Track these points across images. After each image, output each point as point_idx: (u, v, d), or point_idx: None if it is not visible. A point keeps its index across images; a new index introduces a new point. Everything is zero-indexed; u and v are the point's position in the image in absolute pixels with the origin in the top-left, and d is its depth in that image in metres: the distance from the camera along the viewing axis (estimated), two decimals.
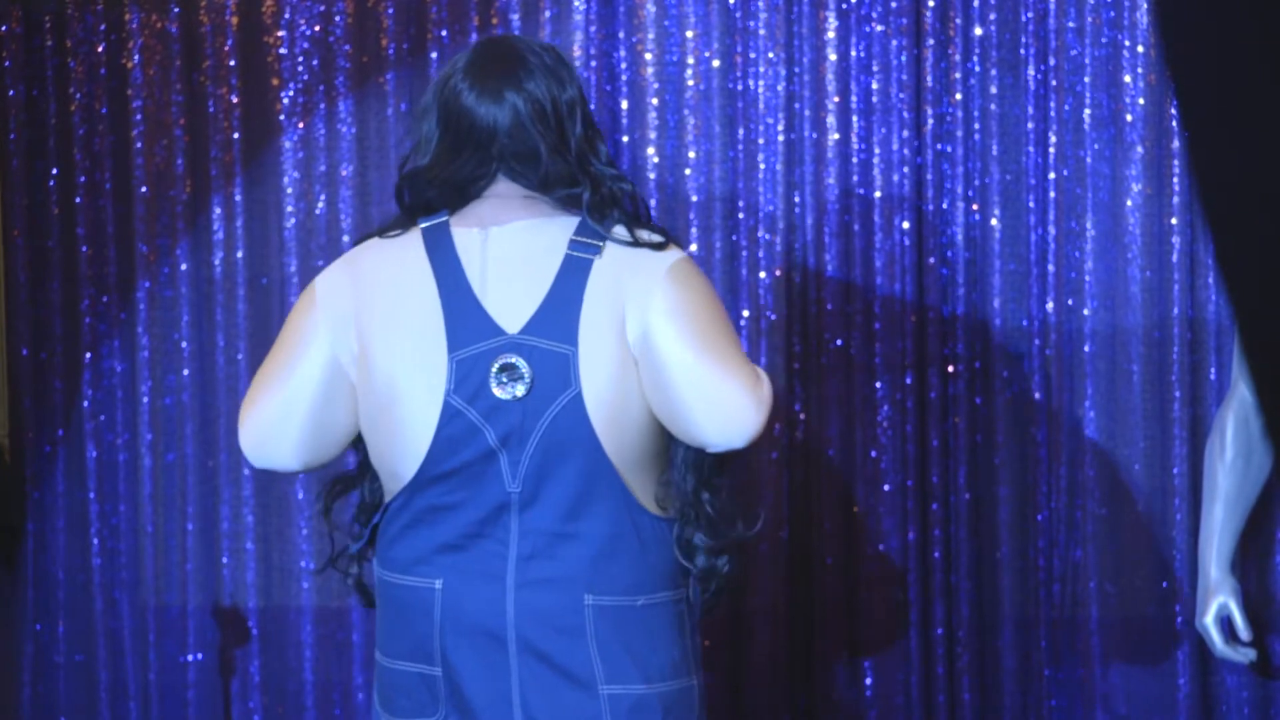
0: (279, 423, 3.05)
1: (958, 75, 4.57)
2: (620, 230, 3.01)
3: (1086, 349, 4.53)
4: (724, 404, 2.92)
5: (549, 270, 3.00)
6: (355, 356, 3.04)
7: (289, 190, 4.82)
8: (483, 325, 2.98)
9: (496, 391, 2.96)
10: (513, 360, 2.96)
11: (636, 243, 3.01)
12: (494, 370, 2.97)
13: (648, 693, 3.04)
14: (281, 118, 4.81)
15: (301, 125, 4.81)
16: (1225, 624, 4.04)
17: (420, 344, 2.99)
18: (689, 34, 4.65)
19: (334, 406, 3.05)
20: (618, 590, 3.03)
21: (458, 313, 2.99)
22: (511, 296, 3.00)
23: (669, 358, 2.94)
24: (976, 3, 4.55)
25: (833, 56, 4.61)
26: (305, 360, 3.05)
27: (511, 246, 3.03)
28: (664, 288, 2.97)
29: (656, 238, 3.03)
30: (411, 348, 3.00)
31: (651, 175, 4.65)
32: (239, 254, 4.84)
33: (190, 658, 4.92)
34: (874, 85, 4.60)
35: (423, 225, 3.06)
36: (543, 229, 3.03)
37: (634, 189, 3.08)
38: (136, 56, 4.84)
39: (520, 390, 2.96)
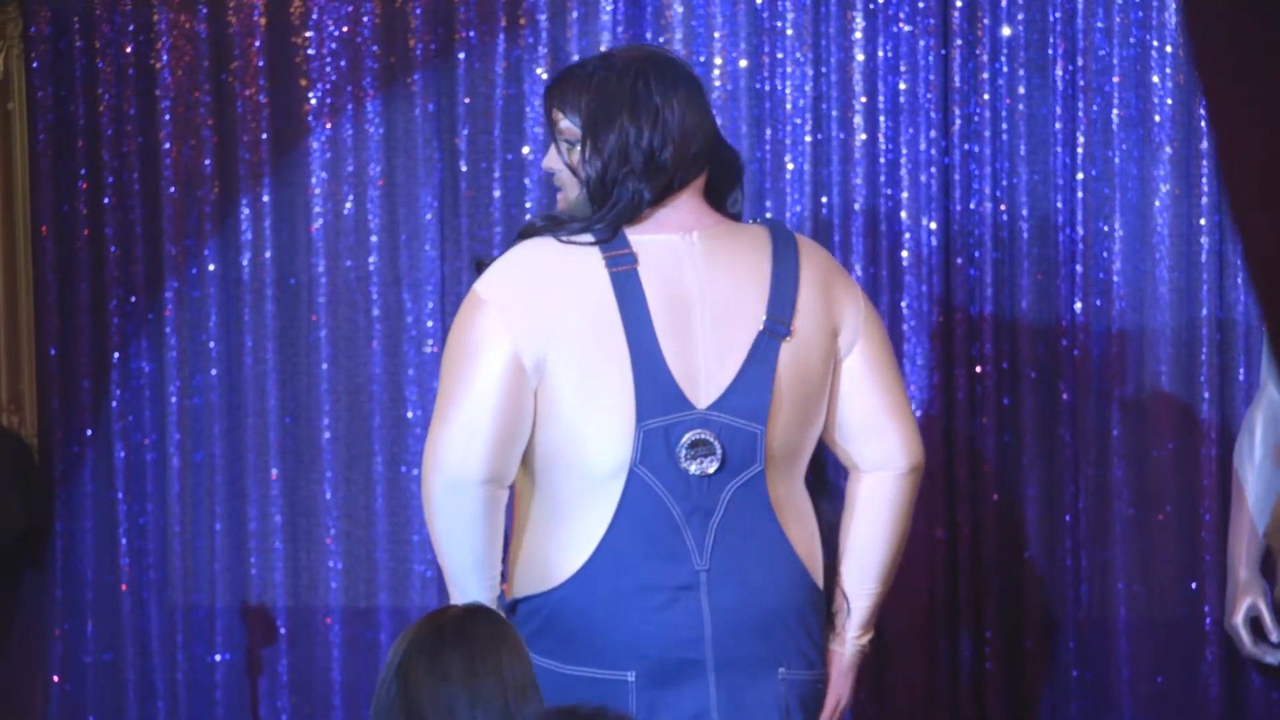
0: (468, 431, 2.92)
1: (985, 75, 4.56)
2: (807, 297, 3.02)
3: (1114, 350, 4.52)
4: (892, 433, 3.07)
5: (742, 339, 2.96)
6: (538, 364, 2.93)
7: (317, 191, 4.83)
8: (672, 396, 2.92)
9: (688, 466, 2.92)
10: (705, 437, 2.92)
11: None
12: (685, 444, 2.91)
13: None
14: (309, 118, 4.82)
15: (329, 126, 4.82)
16: (1254, 625, 4.03)
17: (608, 403, 2.93)
18: (716, 34, 4.65)
19: (518, 404, 2.92)
20: (803, 664, 3.05)
21: (647, 377, 2.91)
22: (702, 360, 2.95)
23: (861, 393, 3.04)
24: (1004, 3, 4.54)
25: (860, 57, 4.60)
26: (484, 359, 2.93)
27: (719, 261, 2.99)
28: (864, 338, 3.05)
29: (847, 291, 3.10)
30: (599, 406, 2.93)
31: None
32: (267, 254, 4.85)
33: (218, 657, 4.93)
34: (901, 85, 4.59)
35: (605, 255, 2.94)
36: (738, 238, 3.04)
37: None
38: (164, 57, 4.85)
39: (712, 468, 2.92)
